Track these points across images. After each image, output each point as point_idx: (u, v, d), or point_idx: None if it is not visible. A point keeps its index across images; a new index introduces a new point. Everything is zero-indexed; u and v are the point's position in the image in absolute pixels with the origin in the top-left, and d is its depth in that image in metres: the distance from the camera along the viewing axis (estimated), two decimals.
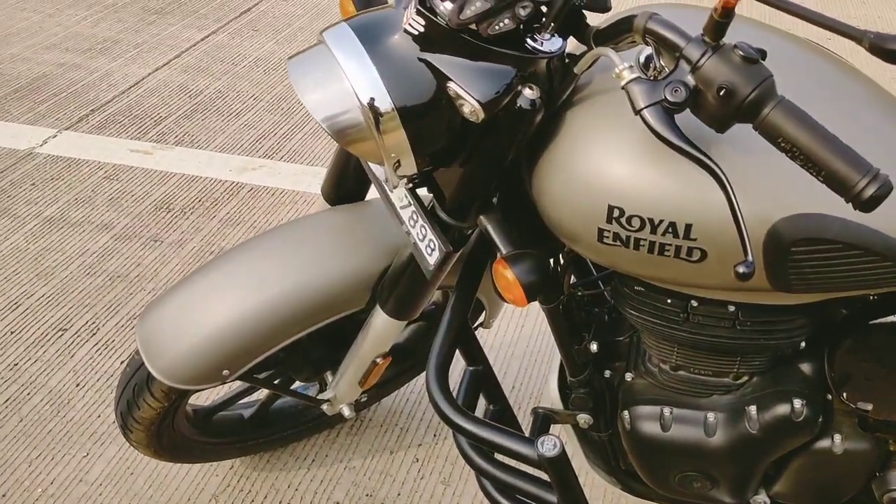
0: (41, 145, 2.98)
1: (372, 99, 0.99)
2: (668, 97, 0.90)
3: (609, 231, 1.04)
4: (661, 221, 1.01)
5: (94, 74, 3.48)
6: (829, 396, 1.26)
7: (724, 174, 0.88)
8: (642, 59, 1.00)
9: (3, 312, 2.24)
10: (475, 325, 1.76)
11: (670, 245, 1.02)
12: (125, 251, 2.47)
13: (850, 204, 0.86)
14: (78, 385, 2.03)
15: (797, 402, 1.23)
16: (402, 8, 1.02)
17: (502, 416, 1.33)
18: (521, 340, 2.17)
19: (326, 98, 1.01)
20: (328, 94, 1.01)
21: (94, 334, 2.17)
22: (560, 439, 1.03)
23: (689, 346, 1.23)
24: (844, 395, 1.20)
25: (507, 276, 1.09)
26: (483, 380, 1.27)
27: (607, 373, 1.39)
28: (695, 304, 1.17)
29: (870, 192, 0.82)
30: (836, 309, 1.18)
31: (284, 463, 1.84)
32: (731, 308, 1.16)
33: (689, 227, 1.00)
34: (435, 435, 1.91)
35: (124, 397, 1.44)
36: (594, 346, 1.34)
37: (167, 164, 2.89)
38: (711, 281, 1.07)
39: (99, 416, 1.94)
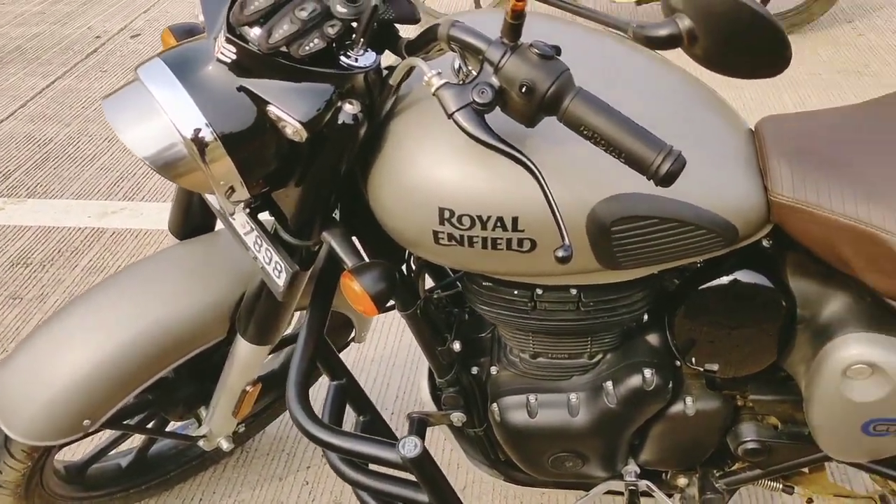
0: None
1: (194, 131, 1.00)
2: (476, 99, 0.94)
3: (443, 232, 1.08)
4: (489, 217, 1.05)
5: None
6: (678, 363, 1.33)
7: (535, 166, 0.93)
8: (456, 66, 1.04)
9: None
10: (348, 340, 1.78)
11: (501, 239, 1.07)
12: None
13: (651, 181, 0.92)
14: None
15: (647, 372, 1.30)
16: (213, 38, 1.03)
17: (373, 425, 1.35)
18: (401, 350, 2.20)
19: (147, 135, 1.01)
20: (148, 130, 1.01)
21: None
22: (419, 439, 1.06)
23: (542, 332, 1.29)
24: (692, 359, 1.27)
25: (354, 288, 1.11)
26: (348, 392, 1.29)
27: (474, 370, 1.43)
28: (540, 292, 1.22)
29: (665, 167, 0.89)
30: (670, 280, 1.26)
31: None
32: (574, 291, 1.22)
33: (515, 219, 1.05)
34: (322, 456, 1.91)
35: None
36: (457, 346, 1.38)
37: (20, 218, 2.79)
38: (546, 268, 1.12)
39: None
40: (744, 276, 1.19)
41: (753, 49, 0.82)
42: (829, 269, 1.18)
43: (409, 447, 1.05)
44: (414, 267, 1.34)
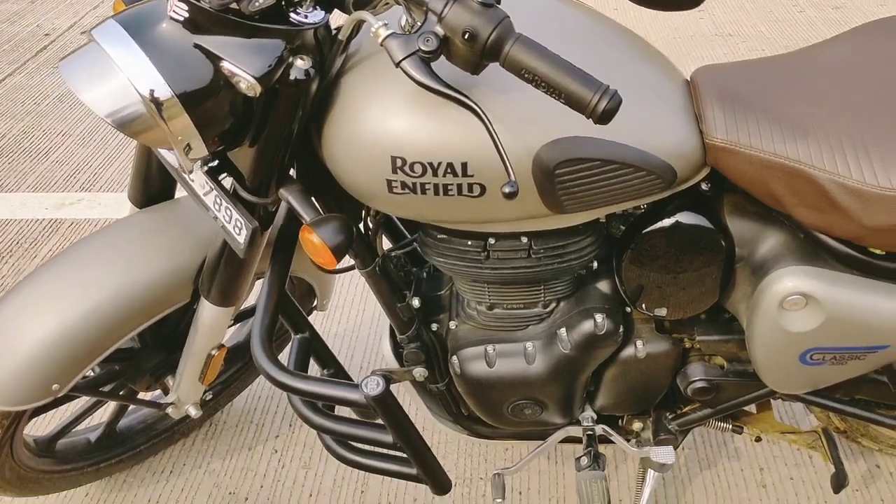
0: None
1: (151, 89, 1.03)
2: (422, 47, 0.99)
3: (396, 181, 1.13)
4: (439, 164, 1.10)
5: None
6: (628, 309, 1.40)
7: (481, 109, 0.98)
8: (405, 20, 1.09)
9: None
10: (311, 307, 1.81)
11: (452, 185, 1.12)
12: None
13: (590, 120, 0.98)
14: None
15: (598, 317, 1.35)
16: None
17: (336, 377, 1.39)
18: (363, 324, 2.24)
19: (106, 94, 1.04)
20: (107, 89, 1.04)
21: None
22: (382, 378, 1.11)
23: (497, 282, 1.34)
24: (640, 304, 1.33)
25: (313, 240, 1.15)
26: (311, 346, 1.33)
27: (434, 326, 1.47)
28: (492, 241, 1.27)
29: (602, 105, 0.94)
30: (616, 226, 1.32)
31: (142, 479, 1.83)
32: (524, 240, 1.27)
33: (464, 164, 1.10)
34: (291, 425, 1.95)
35: None
36: (416, 302, 1.43)
37: None
38: (496, 213, 1.17)
39: None
40: (685, 217, 1.25)
41: None
42: (764, 208, 1.25)
43: (372, 386, 1.10)
44: (371, 226, 1.39)
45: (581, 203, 1.16)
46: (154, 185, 1.43)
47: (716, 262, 1.27)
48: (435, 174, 1.11)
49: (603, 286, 1.39)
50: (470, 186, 1.12)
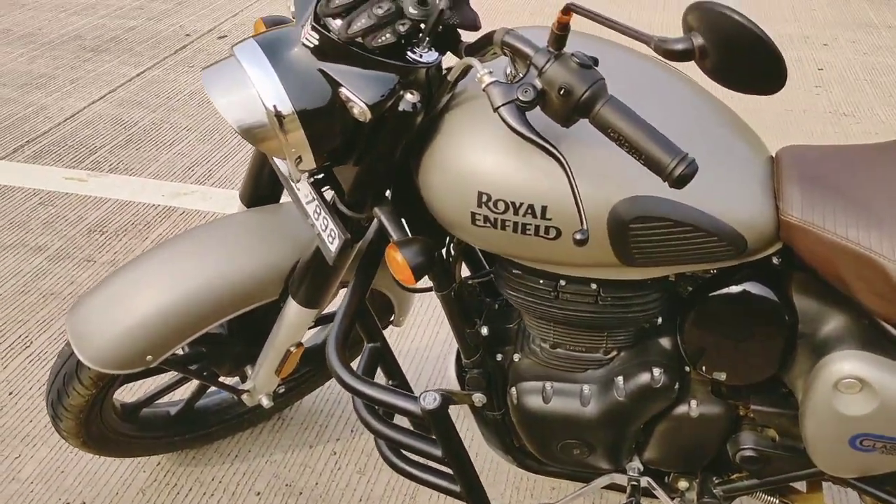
0: None
1: (276, 104, 1.15)
2: (520, 97, 1.08)
3: (480, 214, 1.21)
4: (521, 204, 1.18)
5: (30, 108, 3.58)
6: (686, 368, 1.44)
7: (564, 158, 1.06)
8: (508, 70, 1.18)
9: None
10: (388, 322, 1.91)
11: (531, 225, 1.20)
12: (58, 271, 2.57)
13: (666, 183, 1.05)
14: (11, 394, 2.12)
15: (656, 371, 1.41)
16: (301, 25, 1.19)
17: (400, 389, 1.47)
18: (436, 344, 2.33)
19: (237, 103, 1.17)
20: (238, 99, 1.17)
21: (27, 347, 2.26)
22: (440, 394, 1.19)
23: (563, 323, 1.41)
24: (698, 365, 1.38)
25: (397, 258, 1.25)
26: (381, 356, 1.43)
27: (499, 356, 1.55)
28: (563, 283, 1.34)
29: (679, 171, 1.01)
30: (684, 287, 1.37)
31: (209, 458, 1.95)
32: (594, 286, 1.34)
33: (544, 208, 1.18)
34: (352, 430, 2.04)
35: (55, 387, 1.55)
36: (484, 330, 1.51)
37: (101, 191, 3.01)
38: (568, 257, 1.24)
39: (31, 421, 2.04)
40: (751, 287, 1.29)
41: (754, 68, 0.94)
42: (832, 290, 1.28)
43: (429, 400, 1.18)
44: (453, 252, 1.48)
45: (651, 258, 1.23)
46: (263, 188, 1.56)
47: (777, 335, 1.31)
48: (516, 213, 1.19)
49: (665, 342, 1.44)
50: (547, 229, 1.20)
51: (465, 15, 1.24)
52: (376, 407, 1.29)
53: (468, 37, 1.27)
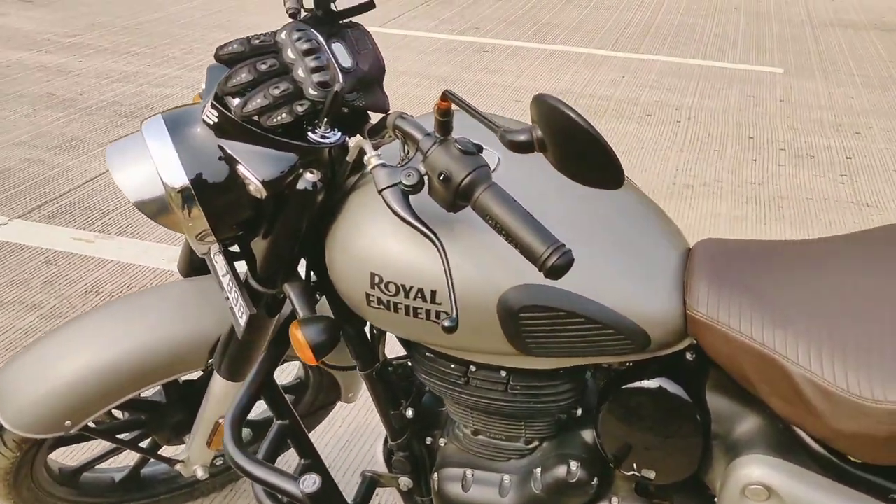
0: None
1: (173, 181, 1.17)
2: (404, 180, 1.08)
3: (374, 296, 1.20)
4: (411, 287, 1.17)
5: (55, 169, 3.72)
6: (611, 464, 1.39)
7: (440, 243, 1.05)
8: (400, 154, 1.18)
9: None
10: (339, 401, 1.89)
11: (421, 309, 1.18)
12: (47, 329, 2.62)
13: (542, 273, 1.02)
14: None
15: (573, 465, 1.36)
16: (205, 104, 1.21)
17: (310, 469, 1.45)
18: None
19: (135, 177, 1.19)
20: (136, 174, 1.19)
21: None
22: (319, 477, 1.16)
23: (478, 409, 1.37)
24: (614, 459, 1.32)
25: (298, 337, 1.24)
26: (290, 434, 1.41)
27: (428, 440, 1.52)
28: (473, 368, 1.31)
29: (551, 260, 0.98)
30: (600, 378, 1.33)
31: None
32: (503, 373, 1.30)
33: (433, 293, 1.16)
34: None
35: None
36: (410, 413, 1.48)
37: (105, 252, 3.08)
38: (465, 344, 1.22)
39: None
40: (662, 383, 1.25)
41: (590, 163, 0.93)
42: (744, 389, 1.23)
43: (308, 483, 1.15)
44: (376, 331, 1.46)
45: (546, 349, 1.19)
46: (198, 260, 1.57)
47: (690, 434, 1.25)
48: (407, 296, 1.18)
49: (585, 435, 1.39)
50: (437, 314, 1.18)
51: (375, 98, 1.25)
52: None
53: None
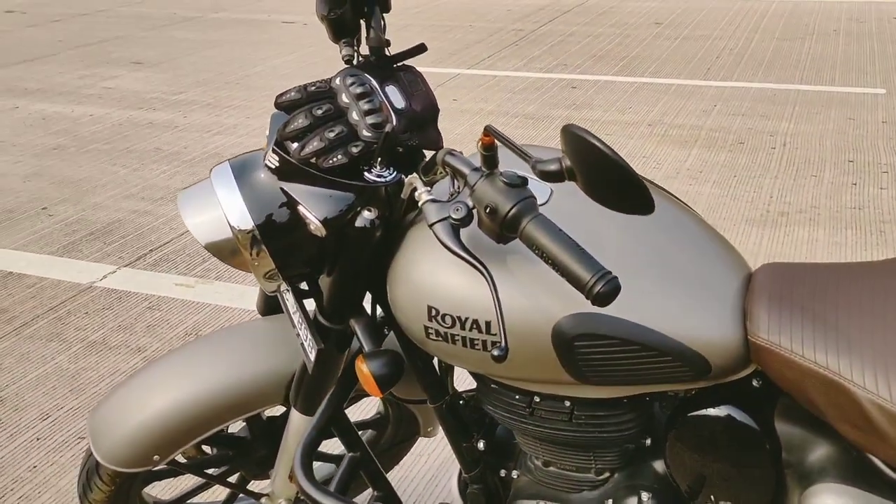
0: (101, 280, 3.38)
1: (240, 224, 1.24)
2: (452, 214, 1.11)
3: (432, 328, 1.23)
4: (466, 318, 1.19)
5: (160, 219, 3.93)
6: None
7: (489, 274, 1.07)
8: (450, 189, 1.21)
9: (34, 422, 2.53)
10: (419, 435, 1.92)
11: (478, 340, 1.20)
12: None
13: (589, 300, 1.03)
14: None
15: (645, 496, 1.34)
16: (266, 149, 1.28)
17: (386, 501, 1.48)
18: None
19: (206, 222, 1.27)
20: (206, 219, 1.27)
21: None
22: None
23: (546, 441, 1.38)
24: (686, 489, 1.30)
25: (363, 370, 1.29)
26: (362, 466, 1.44)
27: (502, 472, 1.52)
28: (537, 399, 1.32)
29: (597, 288, 0.99)
30: (666, 407, 1.31)
31: None
32: (567, 403, 1.31)
33: (488, 323, 1.18)
34: None
35: (81, 480, 1.66)
36: (481, 445, 1.49)
37: (204, 297, 3.22)
38: (522, 374, 1.23)
39: None
40: (728, 410, 1.22)
41: (619, 191, 0.94)
42: (814, 415, 1.19)
43: None
44: (444, 363, 1.49)
45: (605, 378, 1.19)
46: (274, 299, 1.64)
47: (760, 463, 1.22)
48: (463, 328, 1.20)
49: (657, 465, 1.37)
50: (493, 344, 1.20)
51: (428, 136, 1.29)
52: None
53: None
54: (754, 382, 1.23)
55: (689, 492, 1.30)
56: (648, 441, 1.37)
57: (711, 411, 1.23)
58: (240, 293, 3.24)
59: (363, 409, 2.41)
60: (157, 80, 6.31)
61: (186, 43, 7.50)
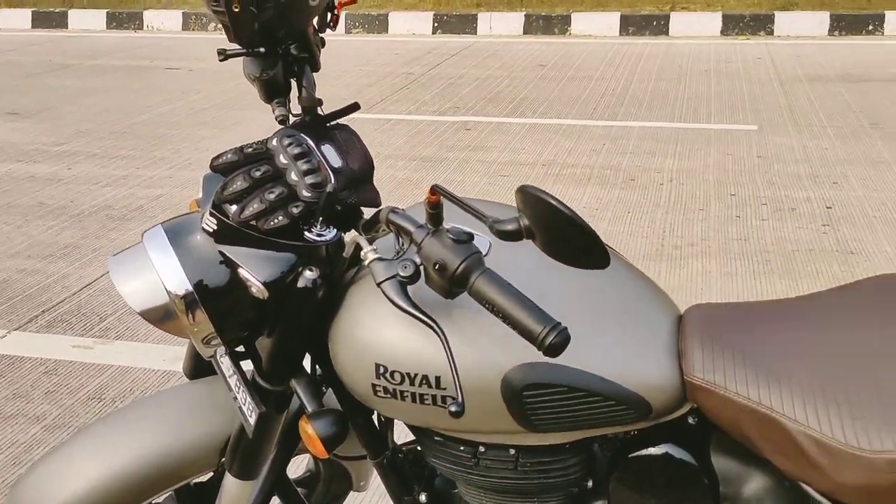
0: None
1: (177, 288, 1.21)
2: (400, 272, 1.12)
3: (380, 385, 1.23)
4: (416, 374, 1.20)
5: (51, 278, 3.76)
6: None
7: (440, 330, 1.08)
8: (395, 246, 1.22)
9: None
10: (350, 490, 1.90)
11: (427, 395, 1.21)
12: (52, 441, 2.62)
13: (541, 352, 1.06)
14: None
15: None
16: (202, 212, 1.26)
17: None
18: None
19: (140, 288, 1.23)
20: (141, 284, 1.23)
21: None
22: None
23: (490, 490, 1.39)
24: None
25: (308, 431, 1.27)
26: None
27: None
28: (482, 449, 1.33)
29: (548, 339, 1.02)
30: (607, 449, 1.35)
31: None
32: (512, 451, 1.32)
33: (438, 378, 1.19)
34: None
35: None
36: (423, 498, 1.49)
37: (105, 358, 3.10)
38: (473, 426, 1.24)
39: None
40: (667, 448, 1.27)
41: (576, 248, 0.98)
42: (749, 450, 1.25)
43: None
44: (383, 418, 1.48)
45: (552, 425, 1.22)
46: (204, 362, 1.60)
47: (699, 499, 1.27)
48: (412, 384, 1.21)
49: None
50: (443, 399, 1.21)
51: (366, 194, 1.30)
52: None
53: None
54: (690, 420, 1.28)
55: None
56: (590, 483, 1.40)
57: (651, 451, 1.28)
58: (143, 352, 3.13)
59: (293, 468, 2.36)
60: (36, 131, 6.07)
61: (64, 91, 7.25)
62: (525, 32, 9.54)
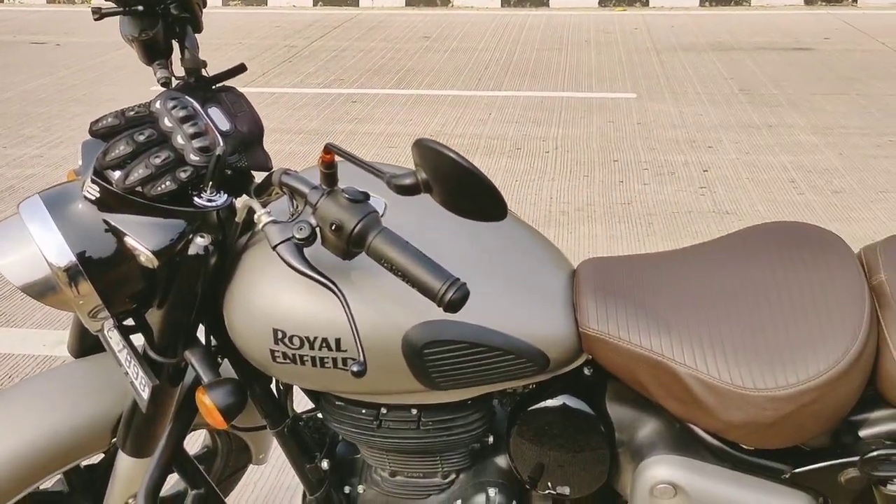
0: None
1: (59, 260, 1.15)
2: (296, 234, 1.10)
3: (278, 351, 1.21)
4: (315, 338, 1.19)
5: None
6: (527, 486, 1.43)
7: (339, 291, 1.07)
8: (289, 209, 1.20)
9: None
10: (249, 463, 1.87)
11: (328, 358, 1.20)
12: None
13: (441, 308, 1.06)
14: None
15: (492, 492, 1.39)
16: (83, 179, 1.20)
17: None
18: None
19: (19, 261, 1.17)
20: (20, 258, 1.17)
21: None
22: None
23: (393, 450, 1.39)
24: (529, 479, 1.36)
25: (205, 402, 1.24)
26: (207, 502, 1.39)
27: (347, 489, 1.52)
28: (384, 411, 1.34)
29: (448, 295, 1.03)
30: (506, 404, 1.38)
31: None
32: (414, 411, 1.33)
33: (338, 340, 1.19)
34: None
35: None
36: (325, 464, 1.48)
37: None
38: (375, 387, 1.24)
39: None
40: (565, 400, 1.30)
41: (475, 199, 0.99)
42: (641, 396, 1.30)
43: None
44: (282, 387, 1.46)
45: (453, 381, 1.23)
46: (90, 339, 1.53)
47: (596, 446, 1.31)
48: (312, 347, 1.20)
49: (501, 461, 1.43)
50: (344, 361, 1.20)
51: (256, 157, 1.27)
52: None
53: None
54: (586, 371, 1.32)
55: (532, 482, 1.37)
56: (491, 439, 1.42)
57: (549, 403, 1.31)
58: (21, 337, 2.98)
59: (189, 444, 2.30)
60: None
61: None
62: (407, 4, 9.49)
